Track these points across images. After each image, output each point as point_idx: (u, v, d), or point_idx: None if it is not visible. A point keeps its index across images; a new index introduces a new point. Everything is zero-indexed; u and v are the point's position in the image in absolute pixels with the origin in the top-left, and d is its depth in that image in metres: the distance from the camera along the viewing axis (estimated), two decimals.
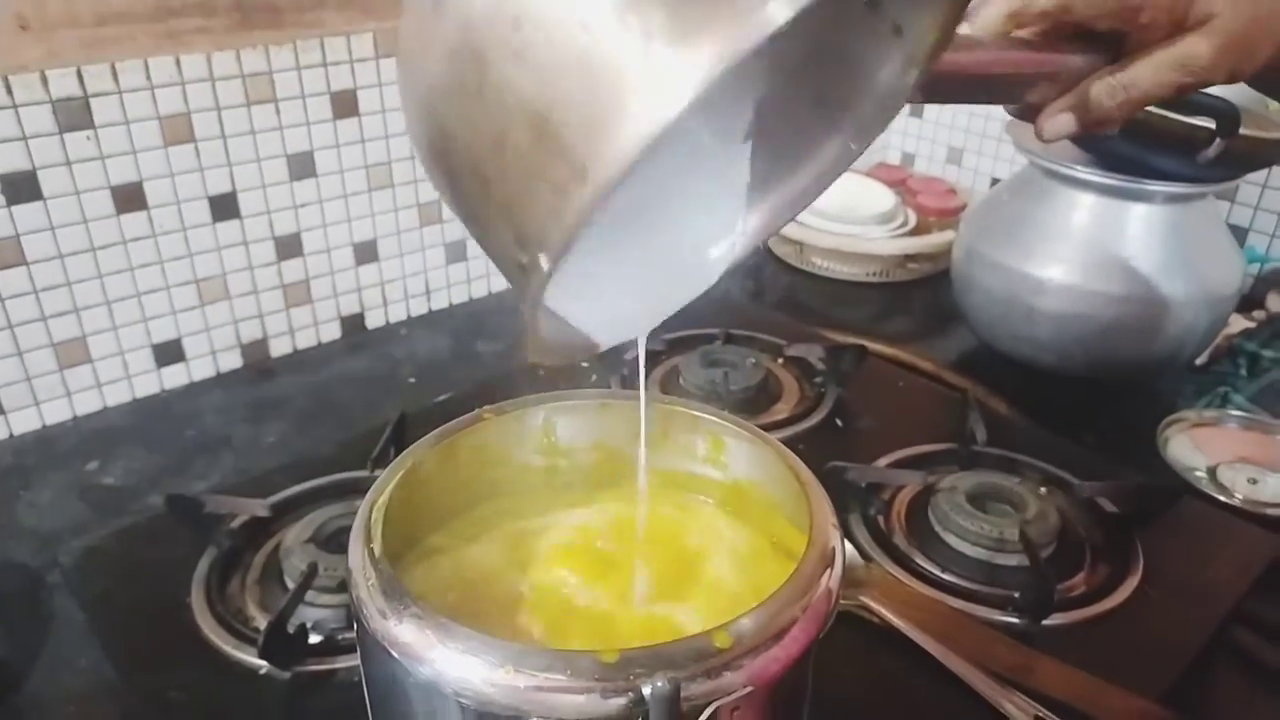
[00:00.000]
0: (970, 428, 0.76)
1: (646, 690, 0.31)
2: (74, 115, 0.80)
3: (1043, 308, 0.90)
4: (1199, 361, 0.99)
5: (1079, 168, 0.89)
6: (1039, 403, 0.90)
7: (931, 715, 0.55)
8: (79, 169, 0.82)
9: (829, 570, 0.37)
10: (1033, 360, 0.94)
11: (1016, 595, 0.61)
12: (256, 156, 0.92)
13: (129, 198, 0.85)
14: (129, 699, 0.57)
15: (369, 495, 0.41)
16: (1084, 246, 0.90)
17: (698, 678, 0.32)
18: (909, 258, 1.18)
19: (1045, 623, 0.60)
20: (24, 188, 0.80)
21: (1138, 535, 0.67)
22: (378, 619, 0.35)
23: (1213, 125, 0.62)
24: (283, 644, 0.56)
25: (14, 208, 0.80)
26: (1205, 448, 0.84)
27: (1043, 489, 0.70)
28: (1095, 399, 0.92)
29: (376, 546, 0.38)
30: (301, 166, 0.95)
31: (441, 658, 0.33)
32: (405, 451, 0.44)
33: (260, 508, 0.67)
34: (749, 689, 0.32)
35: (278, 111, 0.91)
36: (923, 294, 1.18)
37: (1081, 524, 0.69)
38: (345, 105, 0.95)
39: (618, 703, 0.31)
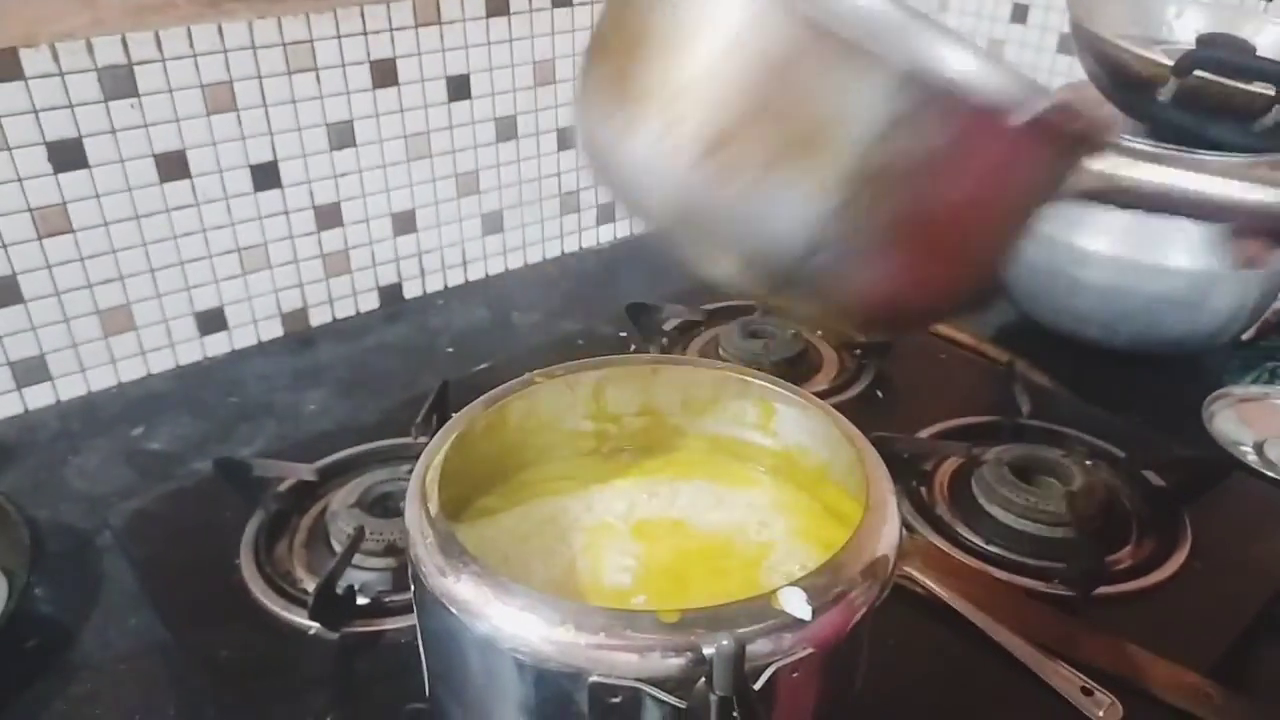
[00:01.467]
0: (1015, 399, 0.75)
1: (708, 650, 0.31)
2: (119, 83, 0.81)
3: (1087, 280, 0.89)
4: (1245, 337, 0.97)
5: (1129, 137, 0.87)
6: (1081, 376, 0.89)
7: (977, 685, 0.55)
8: (124, 136, 0.83)
9: (887, 533, 0.36)
10: (1074, 333, 0.93)
11: (1062, 567, 0.61)
12: (297, 125, 0.92)
13: (172, 166, 0.86)
14: (180, 657, 0.58)
15: (424, 456, 0.42)
16: (1129, 217, 0.87)
17: (759, 638, 0.32)
18: None
19: (1092, 595, 0.59)
20: (70, 155, 0.80)
21: (1185, 510, 0.66)
22: (435, 576, 0.35)
23: (1272, 91, 0.61)
24: (331, 605, 0.56)
25: (60, 175, 0.80)
26: (1252, 424, 0.83)
27: (1088, 462, 0.69)
28: (1138, 373, 0.91)
29: (433, 506, 0.38)
30: (341, 136, 0.95)
31: (500, 614, 0.33)
32: (458, 414, 0.44)
33: (307, 472, 0.68)
34: (809, 651, 0.32)
35: (318, 80, 0.91)
36: None
37: (1128, 498, 0.68)
38: (384, 74, 0.95)
39: (677, 662, 0.32)
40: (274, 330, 0.99)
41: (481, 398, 0.45)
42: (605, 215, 1.19)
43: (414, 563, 0.37)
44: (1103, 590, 0.60)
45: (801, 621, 0.32)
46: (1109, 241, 0.87)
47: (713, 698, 0.29)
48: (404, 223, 1.03)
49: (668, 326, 0.88)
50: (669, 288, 0.92)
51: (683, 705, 0.31)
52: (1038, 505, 0.63)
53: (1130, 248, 0.87)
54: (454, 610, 0.34)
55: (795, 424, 0.46)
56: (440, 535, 0.37)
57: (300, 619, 0.58)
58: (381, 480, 0.66)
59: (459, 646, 0.36)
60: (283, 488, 0.69)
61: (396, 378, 0.93)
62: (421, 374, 0.92)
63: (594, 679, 0.32)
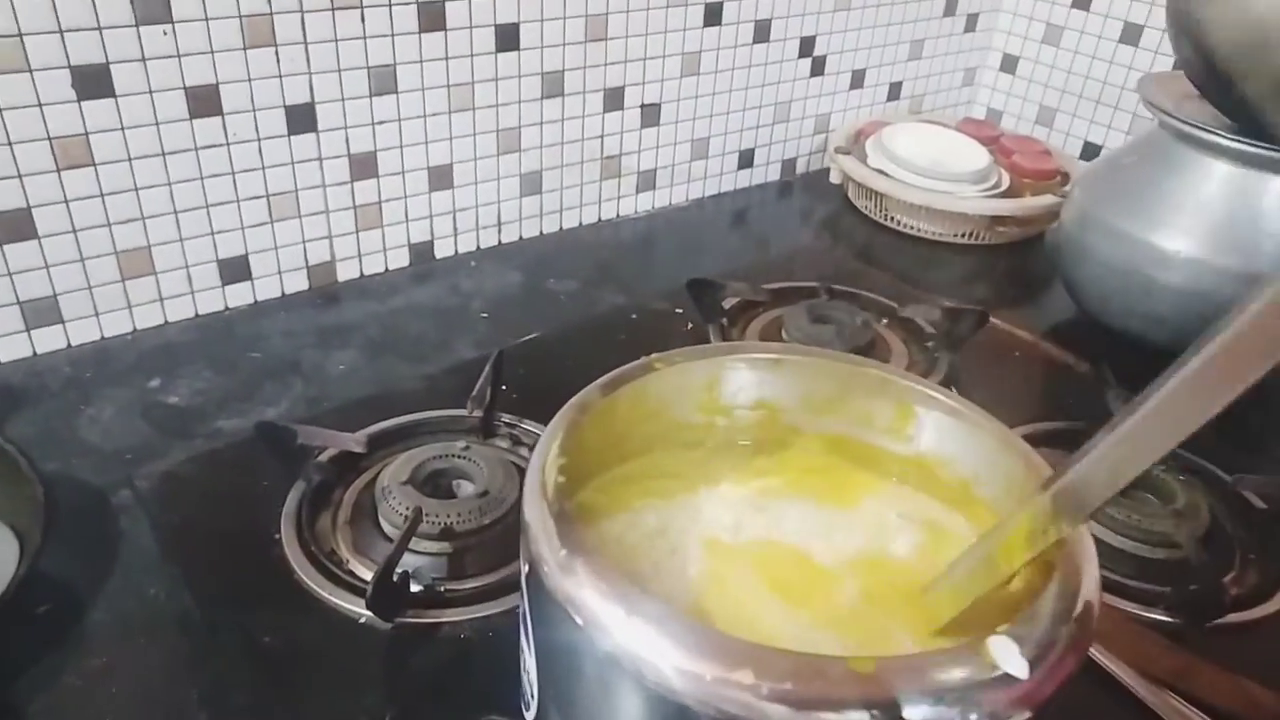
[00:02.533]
0: (1106, 404, 0.71)
1: (913, 712, 0.26)
2: (152, 7, 0.74)
3: (1165, 281, 0.84)
4: None
5: (1217, 132, 0.82)
6: (1143, 381, 0.85)
7: (1089, 714, 0.50)
8: (154, 66, 0.76)
9: (1089, 573, 0.32)
10: (1142, 336, 0.89)
11: (1167, 591, 0.57)
12: (337, 66, 0.85)
13: (204, 101, 0.79)
14: (208, 636, 0.53)
15: (543, 442, 0.37)
16: (1215, 218, 0.84)
17: (969, 698, 0.27)
18: (998, 220, 1.12)
19: (1207, 625, 0.55)
20: (96, 82, 0.74)
21: None
22: (559, 576, 0.31)
23: None
24: (388, 594, 0.51)
25: (84, 103, 0.74)
26: None
27: (1180, 478, 0.65)
28: None
29: (557, 499, 0.33)
30: (382, 81, 0.89)
31: (661, 648, 0.29)
32: (575, 398, 0.39)
33: (354, 443, 0.63)
34: (1026, 715, 0.28)
35: (362, 19, 0.85)
36: (1010, 260, 1.12)
37: (1228, 519, 0.64)
38: (432, 18, 0.89)
39: None
40: (299, 283, 0.93)
41: (599, 382, 0.40)
42: (646, 182, 1.14)
43: (532, 558, 0.32)
44: (1210, 622, 0.56)
45: (1014, 679, 0.28)
46: (1192, 243, 0.83)
47: None
48: (441, 177, 0.97)
49: (727, 305, 0.83)
50: (708, 261, 0.87)
51: None
52: (1141, 524, 0.59)
53: (1214, 250, 0.82)
54: (579, 619, 0.30)
55: (939, 430, 0.41)
56: (564, 530, 0.32)
57: (347, 604, 0.53)
58: (435, 455, 0.61)
59: (584, 670, 0.31)
60: (324, 457, 0.63)
61: (429, 341, 0.87)
62: (456, 339, 0.87)
63: None
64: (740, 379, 0.44)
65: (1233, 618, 0.56)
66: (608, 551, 0.38)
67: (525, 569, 0.33)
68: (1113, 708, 0.51)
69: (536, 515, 0.33)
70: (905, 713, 0.26)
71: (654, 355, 0.42)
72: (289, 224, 0.89)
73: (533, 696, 0.36)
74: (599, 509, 0.40)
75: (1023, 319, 0.95)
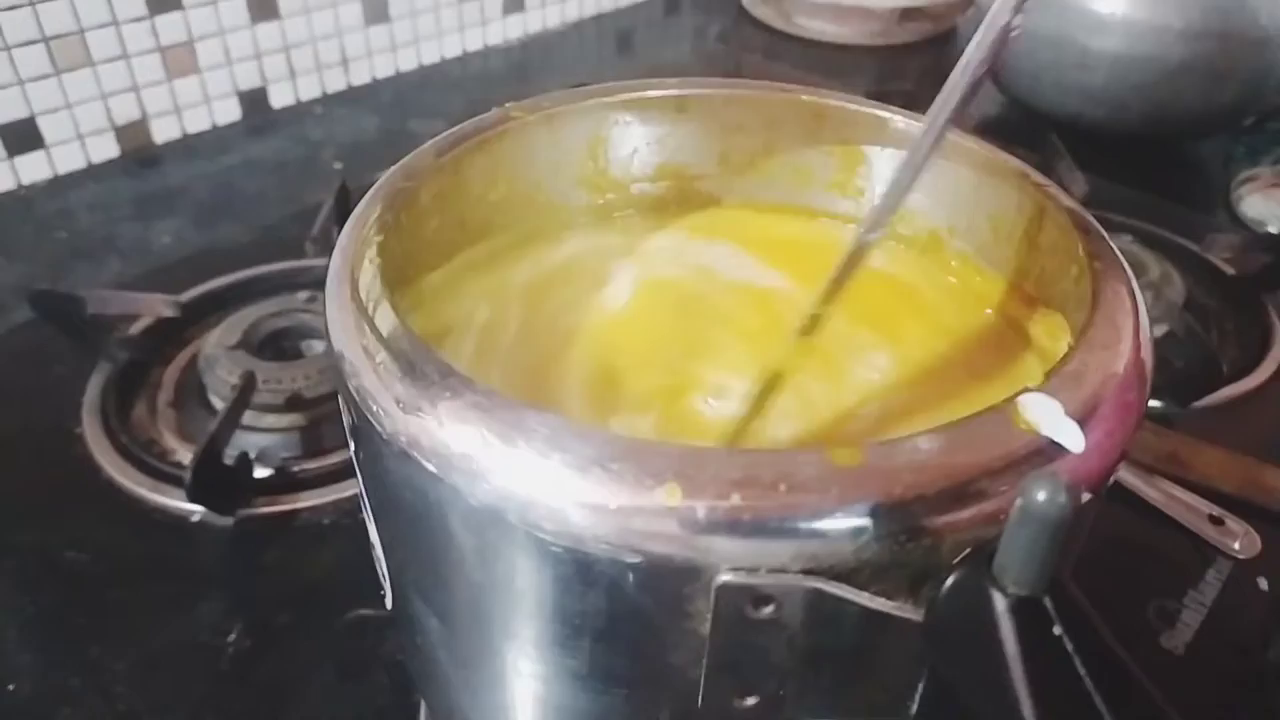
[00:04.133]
0: (1060, 182, 0.62)
1: (935, 519, 0.17)
2: None
3: (1100, 48, 0.76)
4: (1247, 122, 0.87)
5: None
6: (1086, 164, 0.77)
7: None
8: None
9: (1140, 311, 0.23)
10: (1078, 117, 0.81)
11: None
12: None
13: None
14: (10, 565, 0.42)
15: (350, 227, 0.25)
16: None
17: (1002, 487, 0.18)
18: (907, 15, 1.02)
19: (1192, 404, 0.48)
20: None
21: (1269, 300, 0.55)
22: (400, 417, 0.20)
23: None
24: (218, 481, 0.40)
25: None
26: None
27: (1149, 250, 0.58)
28: (1147, 159, 0.80)
29: (381, 307, 0.22)
30: None
31: (539, 475, 0.18)
32: (396, 167, 0.28)
33: (166, 306, 0.50)
34: (1087, 498, 0.19)
35: None
36: (925, 58, 1.02)
37: (1200, 291, 0.57)
38: None
39: (886, 540, 0.17)
40: (107, 149, 0.78)
41: (430, 144, 0.29)
42: (513, 4, 0.99)
43: (356, 399, 0.21)
44: (1199, 401, 0.49)
45: (1065, 451, 0.18)
46: (1127, 3, 0.74)
47: (998, 599, 0.15)
48: (263, 7, 0.81)
49: None
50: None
51: (915, 616, 0.17)
52: None
53: (1152, 9, 0.74)
54: (435, 469, 0.19)
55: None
56: (401, 350, 0.21)
57: (177, 502, 0.42)
58: (272, 314, 0.49)
59: (451, 534, 0.21)
60: (135, 330, 0.51)
61: (272, 198, 0.74)
62: (304, 193, 0.73)
63: (724, 578, 0.17)
64: (633, 137, 0.33)
65: (1219, 394, 0.49)
66: (460, 363, 0.27)
67: (347, 412, 0.23)
68: (1116, 511, 0.44)
69: (348, 327, 0.22)
70: (924, 520, 0.17)
71: (511, 103, 0.30)
72: (80, 75, 0.73)
73: (387, 582, 0.26)
74: (443, 312, 0.30)
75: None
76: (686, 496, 0.17)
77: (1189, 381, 0.47)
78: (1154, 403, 0.48)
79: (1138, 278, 0.51)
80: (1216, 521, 0.42)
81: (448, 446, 0.19)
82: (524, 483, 0.18)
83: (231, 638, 0.38)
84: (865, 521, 0.17)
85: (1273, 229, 0.70)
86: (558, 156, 0.32)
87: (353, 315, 0.22)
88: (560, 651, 0.21)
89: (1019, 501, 0.15)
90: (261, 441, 0.44)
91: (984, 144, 0.30)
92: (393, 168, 0.28)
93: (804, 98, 0.32)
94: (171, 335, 0.51)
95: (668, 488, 0.17)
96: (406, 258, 0.28)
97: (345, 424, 0.24)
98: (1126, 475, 0.43)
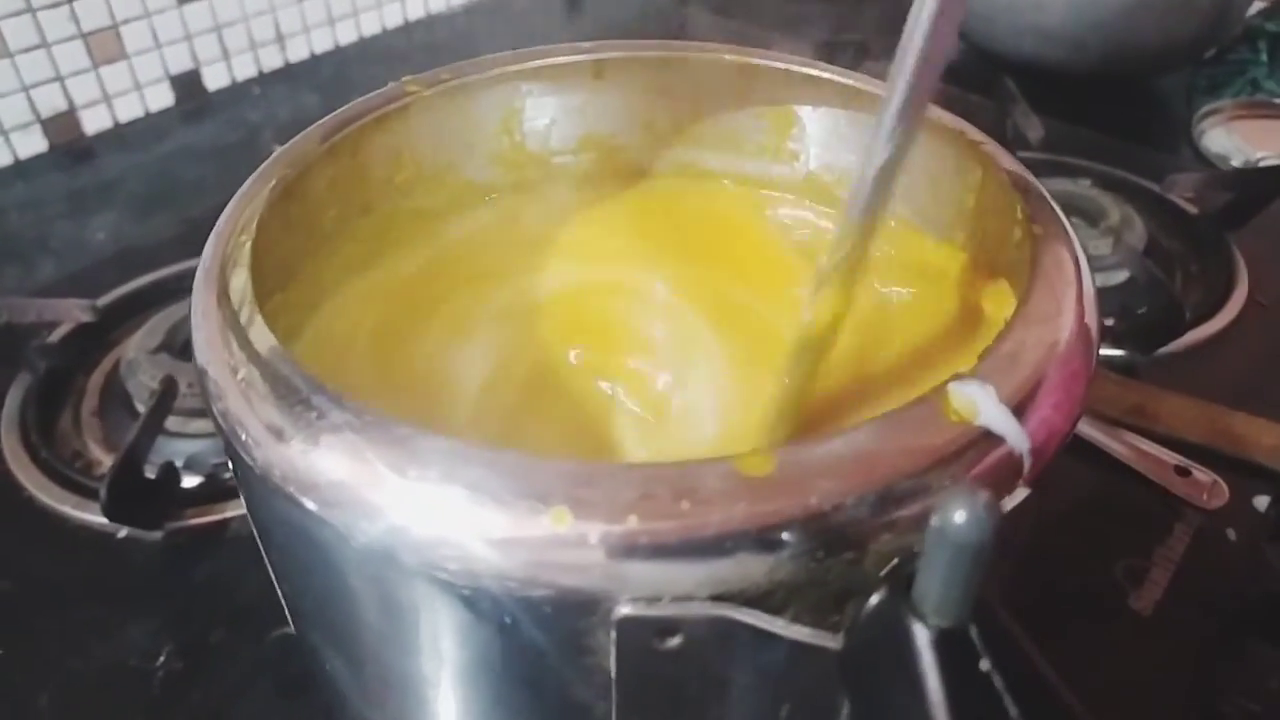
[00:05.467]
0: (1015, 127, 0.60)
1: (847, 518, 0.15)
2: None
3: None
4: (1207, 56, 0.86)
5: None
6: (1045, 107, 0.75)
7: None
8: None
9: (1085, 282, 0.21)
10: (1035, 58, 0.78)
11: (1109, 323, 0.48)
12: None
13: None
14: None
15: (219, 229, 0.23)
16: None
17: (931, 484, 0.16)
18: None
19: (1156, 352, 0.46)
20: None
21: (1233, 239, 0.54)
22: (270, 444, 0.18)
23: None
24: (141, 494, 0.38)
25: None
26: (1246, 139, 0.72)
27: (1108, 193, 0.56)
28: (1108, 98, 0.78)
29: (253, 320, 0.20)
30: None
31: (422, 506, 0.16)
32: (278, 152, 0.25)
33: (82, 311, 0.48)
34: (1026, 494, 0.17)
35: None
36: (877, 7, 0.99)
37: (1162, 233, 0.55)
38: None
39: (801, 559, 0.15)
40: (35, 144, 0.74)
41: (316, 126, 0.27)
42: None
43: (225, 424, 0.19)
44: (1163, 348, 0.47)
45: (997, 440, 0.17)
46: None
47: (918, 631, 0.13)
48: None
49: None
50: None
51: (833, 645, 0.15)
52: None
53: None
54: (318, 509, 0.17)
55: (833, 133, 0.29)
56: (273, 366, 0.19)
57: (99, 518, 0.40)
58: None
59: (336, 570, 0.19)
60: (55, 337, 0.48)
61: (210, 186, 0.71)
62: (245, 179, 0.70)
63: (624, 610, 0.16)
64: (548, 108, 0.30)
65: (1183, 339, 0.48)
66: (347, 380, 0.25)
67: (222, 434, 0.21)
68: (1065, 460, 0.42)
69: (213, 342, 0.20)
70: (839, 522, 0.15)
71: (408, 78, 0.28)
72: None
73: (287, 611, 0.24)
74: (341, 314, 0.27)
75: None
76: (577, 520, 0.15)
77: (1152, 328, 0.45)
78: (1117, 352, 0.47)
79: (1097, 223, 0.50)
80: (1183, 473, 0.41)
81: (330, 479, 0.17)
82: (407, 515, 0.17)
83: (161, 660, 0.36)
84: (778, 538, 0.15)
85: (1236, 163, 0.69)
86: (468, 132, 0.30)
87: (219, 327, 0.20)
88: (463, 692, 0.19)
89: (933, 523, 0.13)
90: (189, 448, 0.42)
91: None
92: (273, 154, 0.25)
93: (727, 57, 0.29)
94: (95, 340, 0.49)
95: (555, 512, 0.15)
96: (299, 253, 0.26)
97: (224, 444, 0.22)
98: (1090, 431, 0.42)
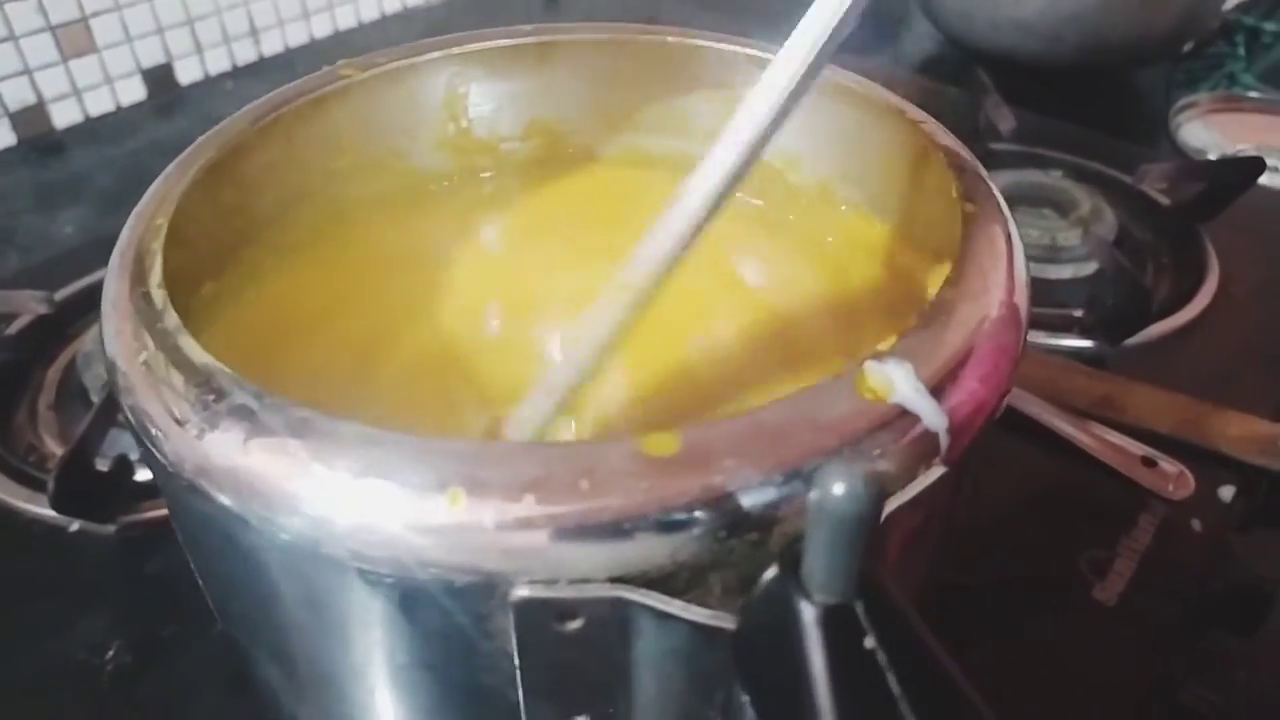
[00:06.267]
0: (987, 119, 0.59)
1: (756, 500, 0.15)
2: None
3: None
4: (1185, 49, 0.85)
5: None
6: (1023, 99, 0.75)
7: (1014, 472, 0.41)
8: None
9: (1016, 252, 0.21)
10: (1012, 51, 0.78)
11: (1078, 315, 0.48)
12: None
13: None
14: None
15: (136, 213, 0.23)
16: None
17: (844, 464, 0.15)
18: None
19: (1123, 343, 0.46)
20: None
21: (1203, 230, 0.53)
22: (179, 438, 0.17)
23: None
24: (91, 486, 0.38)
25: None
26: (1223, 133, 0.71)
27: (1079, 183, 0.56)
28: (1085, 92, 0.77)
29: (165, 308, 0.20)
30: None
31: (327, 493, 0.16)
32: (204, 138, 0.25)
33: (38, 303, 0.47)
34: (941, 472, 0.16)
35: None
36: None
37: (1133, 224, 0.55)
38: None
39: (701, 538, 0.15)
40: (3, 137, 0.74)
41: (247, 109, 0.26)
42: None
43: (134, 417, 0.18)
44: (1131, 339, 0.47)
45: (913, 419, 0.16)
46: None
47: (804, 609, 0.13)
48: None
49: None
50: None
51: (729, 625, 0.15)
52: (1041, 239, 0.49)
53: None
54: (229, 501, 0.17)
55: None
56: (182, 355, 0.18)
57: (51, 511, 0.40)
58: None
59: (249, 562, 0.18)
60: (12, 330, 0.48)
61: None
62: None
63: (521, 593, 0.15)
64: (494, 93, 0.30)
65: (1153, 330, 0.47)
66: (272, 377, 0.24)
67: (132, 429, 0.20)
68: (1030, 452, 0.42)
69: (122, 332, 0.19)
70: (745, 502, 0.15)
71: (343, 62, 0.28)
72: None
73: (214, 611, 0.23)
74: (260, 311, 0.27)
75: (881, 64, 0.83)
76: (472, 502, 0.15)
77: (1120, 319, 0.45)
78: (1085, 343, 0.46)
79: (1067, 213, 0.49)
80: (1150, 464, 0.41)
81: (251, 472, 0.17)
82: (305, 499, 0.16)
83: (110, 654, 0.35)
84: (681, 519, 0.15)
85: (1213, 157, 0.68)
86: (411, 118, 0.30)
87: (129, 317, 0.20)
88: (381, 683, 0.18)
89: (812, 497, 0.12)
90: None
91: (863, 81, 0.27)
92: (201, 137, 0.25)
93: (671, 40, 0.29)
94: (53, 333, 0.48)
95: (450, 493, 0.15)
96: (234, 240, 0.25)
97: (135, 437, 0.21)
98: (1056, 421, 0.42)
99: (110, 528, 0.39)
